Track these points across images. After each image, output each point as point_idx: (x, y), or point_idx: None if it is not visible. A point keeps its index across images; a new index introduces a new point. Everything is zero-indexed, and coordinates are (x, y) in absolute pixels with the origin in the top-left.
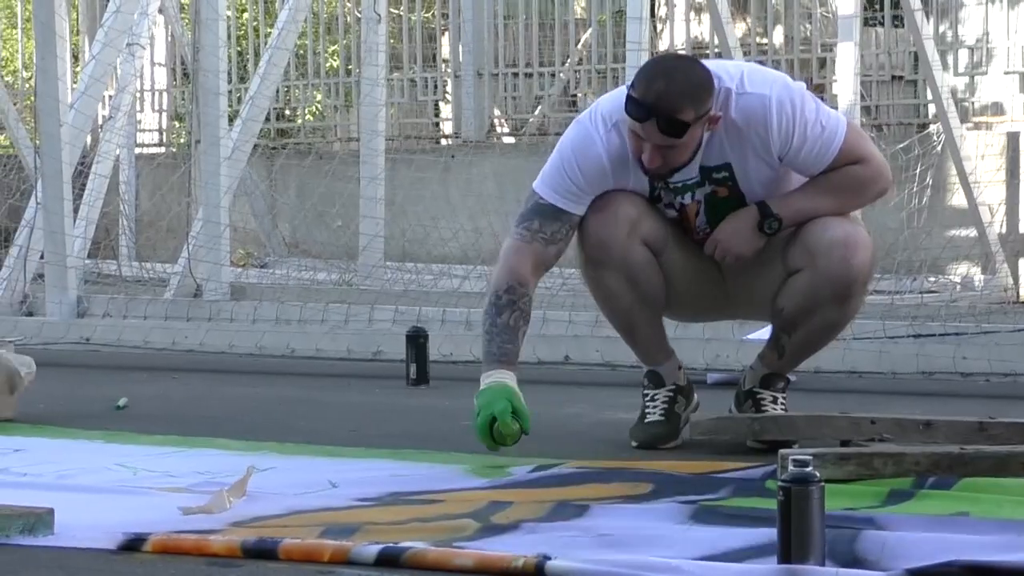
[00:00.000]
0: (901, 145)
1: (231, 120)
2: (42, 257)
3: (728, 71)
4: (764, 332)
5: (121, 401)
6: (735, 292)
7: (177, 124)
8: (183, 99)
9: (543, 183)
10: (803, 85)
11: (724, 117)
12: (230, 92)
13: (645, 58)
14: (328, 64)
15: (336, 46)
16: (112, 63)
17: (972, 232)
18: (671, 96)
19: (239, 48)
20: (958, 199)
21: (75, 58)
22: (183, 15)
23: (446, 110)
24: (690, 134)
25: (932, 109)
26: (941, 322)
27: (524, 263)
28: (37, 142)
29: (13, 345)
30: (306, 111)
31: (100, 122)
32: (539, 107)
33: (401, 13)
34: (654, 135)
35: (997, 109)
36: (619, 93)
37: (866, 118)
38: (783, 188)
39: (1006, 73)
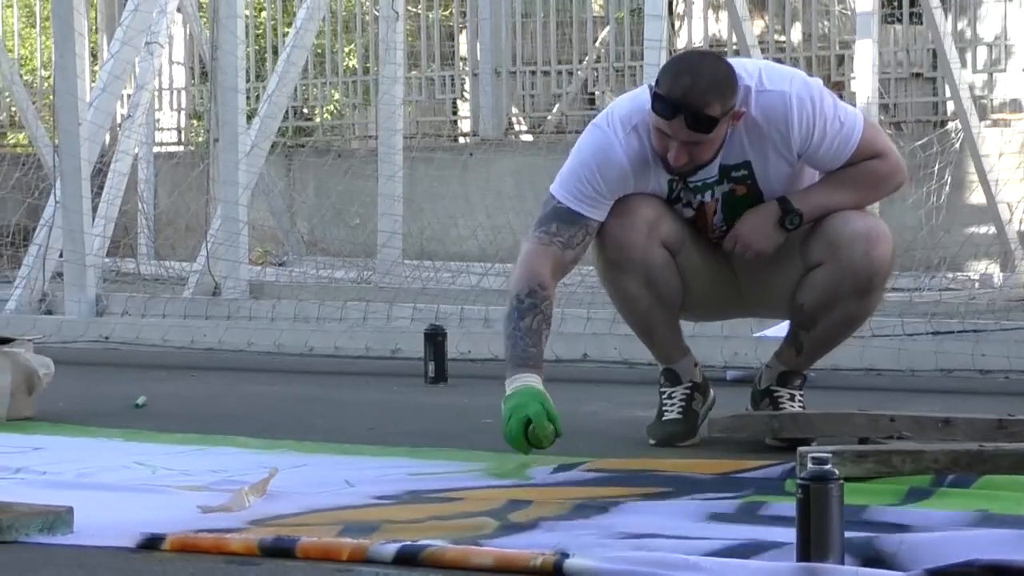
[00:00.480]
0: (920, 142)
1: (249, 118)
2: (61, 255)
3: (746, 69)
4: (780, 329)
5: (140, 399)
6: (751, 290)
7: (195, 122)
8: (201, 97)
9: (562, 187)
10: (820, 81)
11: (744, 115)
12: (248, 90)
13: (663, 56)
14: (346, 62)
15: (354, 44)
16: (131, 62)
17: (991, 229)
18: (698, 92)
19: (257, 47)
20: (977, 196)
21: (94, 57)
22: (201, 14)
23: (464, 108)
24: (717, 130)
25: (951, 106)
26: (960, 319)
27: (543, 266)
28: (56, 140)
29: (32, 343)
30: (324, 109)
31: (119, 120)
32: (557, 105)
33: (419, 11)
34: (682, 132)
35: (1016, 106)
36: (635, 95)
37: (884, 115)
38: (798, 185)
39: None
